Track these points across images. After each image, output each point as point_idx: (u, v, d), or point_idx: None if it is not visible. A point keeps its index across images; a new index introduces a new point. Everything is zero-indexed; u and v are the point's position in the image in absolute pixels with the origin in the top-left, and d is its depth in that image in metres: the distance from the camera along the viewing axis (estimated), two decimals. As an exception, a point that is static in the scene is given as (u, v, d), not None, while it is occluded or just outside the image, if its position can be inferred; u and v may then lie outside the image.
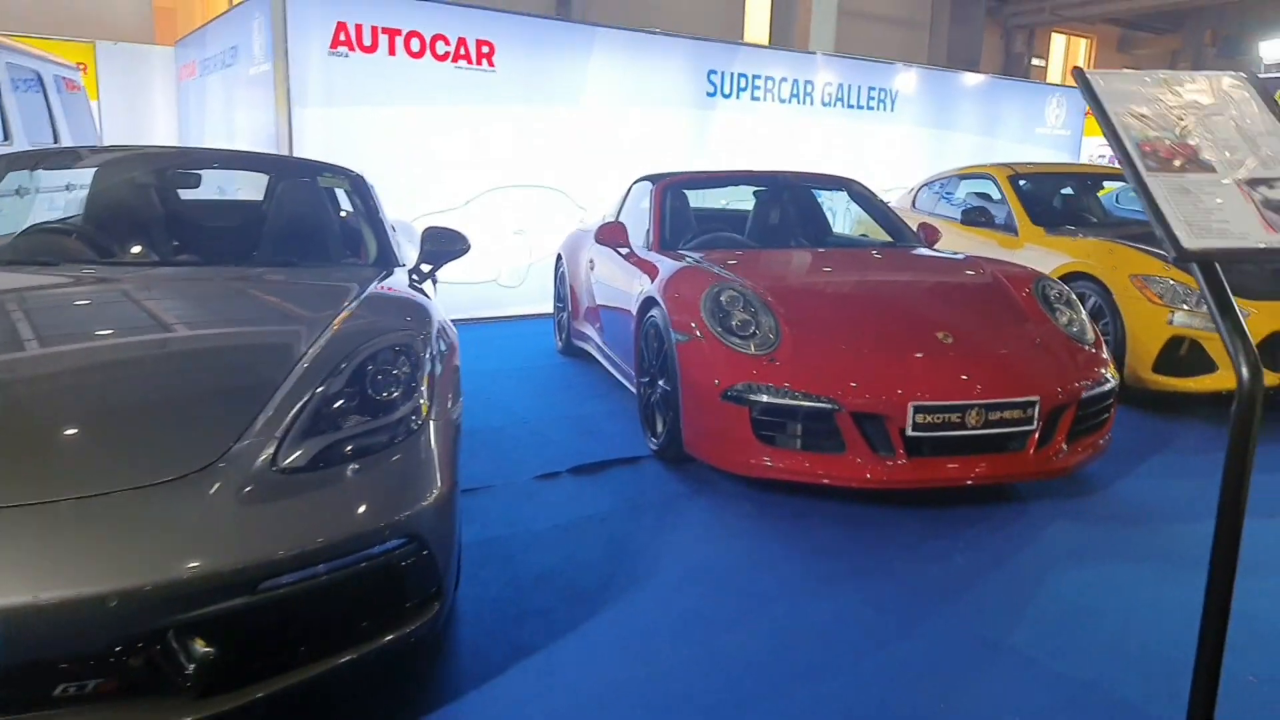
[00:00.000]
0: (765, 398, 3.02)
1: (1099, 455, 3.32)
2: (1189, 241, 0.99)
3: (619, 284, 4.39)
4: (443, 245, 2.98)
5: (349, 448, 1.74)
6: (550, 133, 7.17)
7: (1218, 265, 1.09)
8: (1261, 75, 9.39)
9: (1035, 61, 23.70)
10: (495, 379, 5.00)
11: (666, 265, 3.86)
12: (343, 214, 3.00)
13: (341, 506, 1.63)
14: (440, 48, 6.51)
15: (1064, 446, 3.13)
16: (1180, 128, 1.02)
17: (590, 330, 5.13)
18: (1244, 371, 1.14)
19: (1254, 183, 0.99)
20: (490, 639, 2.19)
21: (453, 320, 6.80)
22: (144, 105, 9.29)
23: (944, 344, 3.15)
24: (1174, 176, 1.00)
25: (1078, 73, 1.18)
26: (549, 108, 7.12)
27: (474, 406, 4.40)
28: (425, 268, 3.01)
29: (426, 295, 2.53)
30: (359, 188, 3.02)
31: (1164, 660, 2.15)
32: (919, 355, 3.10)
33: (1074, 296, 3.62)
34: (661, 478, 3.43)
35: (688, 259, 3.91)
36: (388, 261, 2.82)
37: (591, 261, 5.03)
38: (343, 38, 6.09)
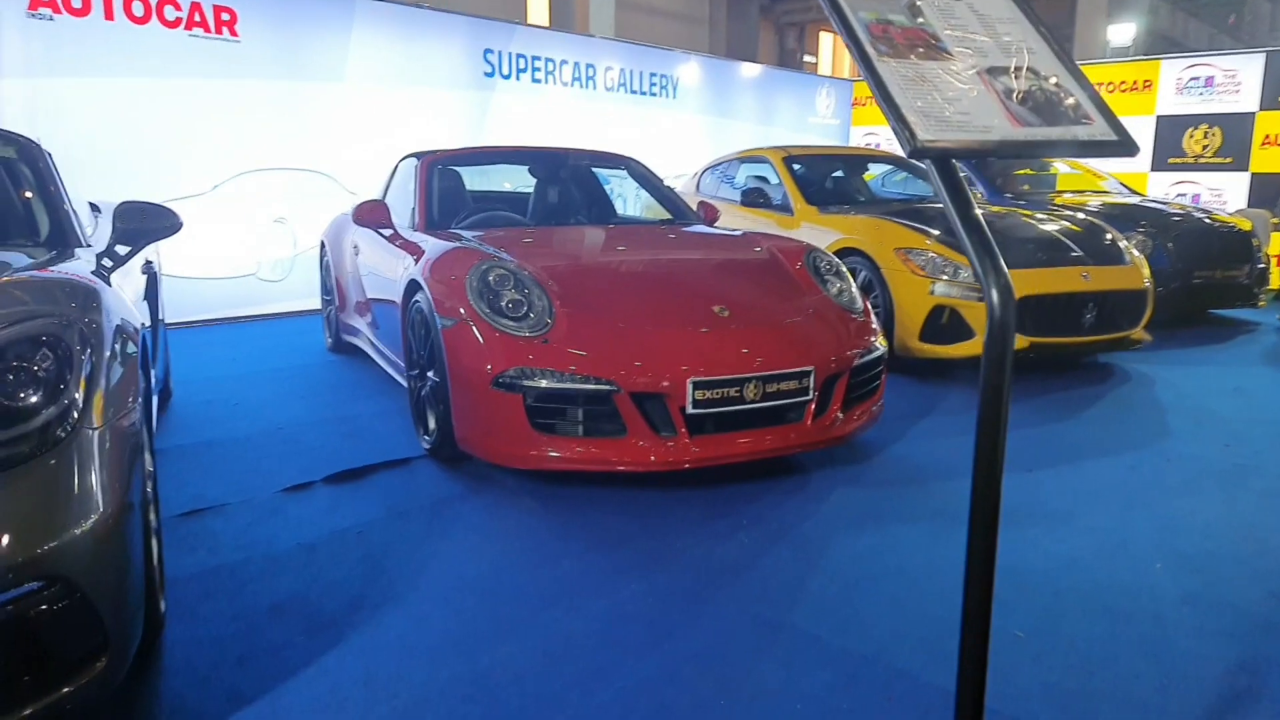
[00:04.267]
0: (539, 383, 2.78)
1: (873, 422, 3.36)
2: (926, 134, 0.86)
3: (384, 269, 4.00)
4: (141, 223, 2.50)
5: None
6: (312, 112, 6.56)
7: (954, 162, 0.98)
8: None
9: (807, 59, 25.13)
10: (249, 383, 4.45)
11: (432, 245, 3.53)
12: (39, 192, 2.44)
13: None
14: (169, 13, 5.75)
15: (839, 415, 3.12)
16: (914, 10, 0.90)
17: (359, 323, 4.69)
18: (994, 296, 1.02)
19: (996, 71, 0.88)
20: (203, 689, 1.80)
21: (205, 320, 6.11)
22: None
23: (721, 318, 3.05)
24: (910, 64, 0.87)
25: None
26: (308, 84, 6.51)
27: (218, 415, 3.87)
28: (121, 250, 2.51)
29: (106, 280, 2.06)
30: (29, 156, 2.48)
31: (940, 623, 2.12)
32: (697, 330, 2.98)
33: (843, 268, 3.66)
34: (434, 479, 3.11)
35: (458, 239, 3.59)
36: (63, 242, 2.31)
37: (356, 247, 4.59)
38: (44, -4, 5.21)
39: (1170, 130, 9.71)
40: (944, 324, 4.70)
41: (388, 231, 4.03)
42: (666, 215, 4.68)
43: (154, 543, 1.90)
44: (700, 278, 3.40)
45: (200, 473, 3.13)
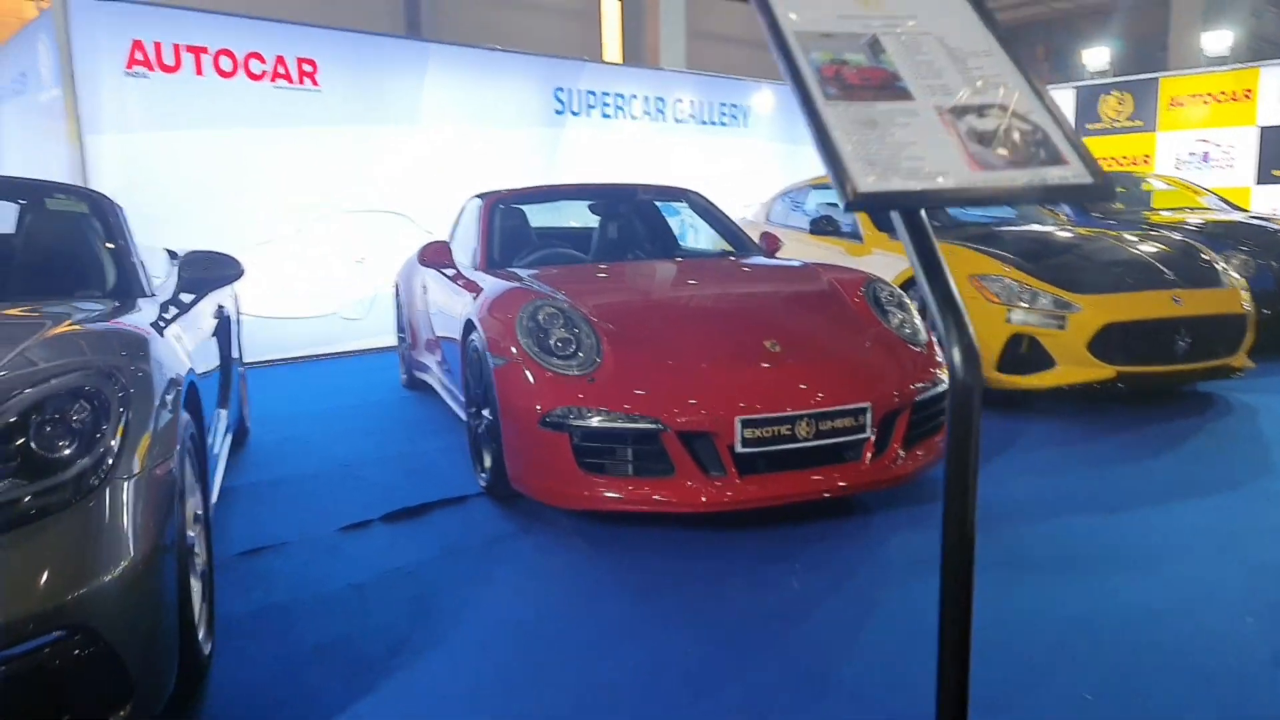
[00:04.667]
0: (586, 422, 2.76)
1: (939, 459, 3.21)
2: (867, 182, 0.79)
3: (447, 308, 4.07)
4: (205, 271, 2.60)
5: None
6: (388, 154, 6.79)
7: (924, 212, 0.90)
8: (1084, 82, 9.86)
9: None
10: (323, 420, 4.58)
11: (489, 285, 3.57)
12: (108, 245, 2.57)
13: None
14: (255, 66, 6.05)
15: (901, 453, 3.00)
16: (875, 48, 0.83)
17: (429, 360, 4.78)
18: (955, 356, 0.93)
19: (961, 111, 0.80)
20: (239, 734, 1.82)
21: (289, 358, 6.34)
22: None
23: (772, 353, 2.98)
24: (861, 106, 0.80)
25: None
26: (384, 127, 6.75)
27: (290, 452, 3.98)
28: (186, 297, 2.62)
29: (161, 330, 2.14)
30: (100, 210, 2.61)
31: (998, 684, 1.99)
32: (746, 366, 2.92)
33: (905, 298, 3.54)
34: (488, 517, 3.11)
35: (516, 278, 3.63)
36: (128, 293, 2.42)
37: (425, 286, 4.69)
38: (139, 57, 5.56)
39: (1276, 141, 9.15)
40: (1024, 353, 4.50)
41: (451, 271, 4.11)
42: (728, 247, 4.63)
43: (196, 585, 1.94)
44: (752, 311, 3.34)
45: (266, 510, 3.21)
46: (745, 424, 2.75)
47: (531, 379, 2.89)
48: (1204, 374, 4.60)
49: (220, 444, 3.05)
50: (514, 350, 2.97)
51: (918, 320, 3.42)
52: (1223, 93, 9.58)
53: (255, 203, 6.16)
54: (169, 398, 1.82)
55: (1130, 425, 4.21)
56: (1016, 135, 0.74)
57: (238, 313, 4.20)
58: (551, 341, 2.95)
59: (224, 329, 3.49)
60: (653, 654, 2.13)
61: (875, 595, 2.45)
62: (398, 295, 5.55)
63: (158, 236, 5.01)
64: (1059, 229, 5.60)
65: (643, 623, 2.31)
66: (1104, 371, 4.34)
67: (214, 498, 2.46)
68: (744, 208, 8.54)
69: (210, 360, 2.86)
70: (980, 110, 0.76)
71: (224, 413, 3.40)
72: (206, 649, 2.00)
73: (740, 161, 9.50)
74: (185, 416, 1.95)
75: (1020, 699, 1.91)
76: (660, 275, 3.95)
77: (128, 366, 1.75)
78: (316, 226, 6.46)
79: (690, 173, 8.87)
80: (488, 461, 3.27)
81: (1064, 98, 10.99)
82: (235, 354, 3.78)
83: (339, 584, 2.57)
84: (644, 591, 2.50)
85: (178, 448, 1.74)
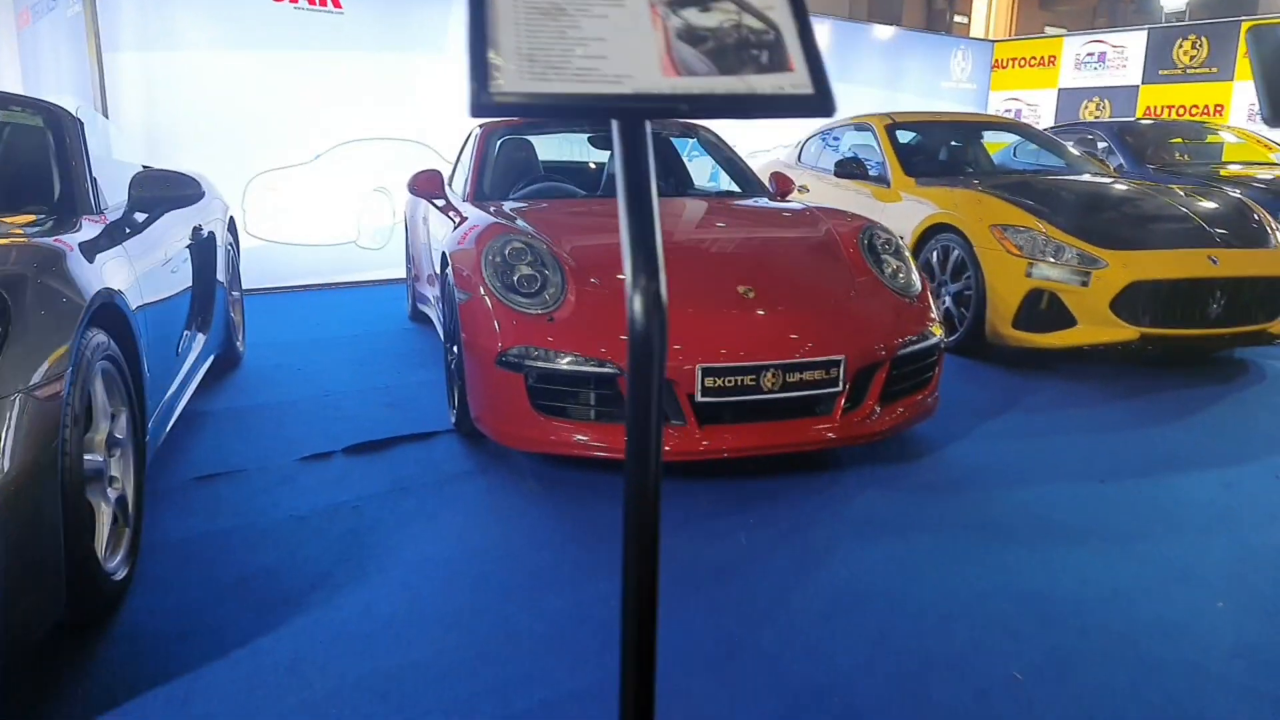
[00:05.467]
0: (540, 362, 2.67)
1: (922, 417, 3.06)
2: (509, 84, 0.64)
3: (435, 240, 3.99)
4: (160, 191, 2.55)
5: None
6: (412, 82, 6.66)
7: (649, 126, 0.70)
8: (1162, 24, 9.22)
9: (958, 19, 23.59)
10: (321, 348, 4.57)
11: (472, 217, 3.48)
12: (59, 161, 2.53)
13: None
14: (275, -14, 5.94)
15: (876, 409, 2.85)
16: None
17: (429, 293, 4.73)
18: (636, 304, 0.73)
19: (679, 3, 0.65)
20: (134, 664, 1.81)
21: (305, 285, 6.37)
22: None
23: (745, 299, 2.83)
24: None
25: None
26: (408, 54, 6.61)
27: (279, 380, 3.99)
28: (140, 217, 2.57)
29: (92, 249, 2.09)
30: (56, 125, 2.56)
31: (921, 658, 1.88)
32: (715, 312, 2.78)
33: (903, 245, 3.34)
34: (451, 455, 3.07)
35: (502, 211, 3.52)
36: (72, 209, 2.38)
37: (425, 217, 4.61)
38: (158, -27, 5.49)
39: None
40: (1043, 309, 4.25)
41: (441, 201, 4.01)
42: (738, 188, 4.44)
43: (106, 510, 1.93)
44: (733, 255, 3.18)
45: (234, 436, 3.21)
46: (706, 372, 2.63)
47: (493, 316, 2.80)
48: (1238, 339, 4.31)
49: (186, 368, 3.04)
50: (479, 286, 2.88)
51: (913, 270, 3.23)
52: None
53: (275, 127, 6.12)
54: (69, 316, 1.77)
55: (1148, 390, 3.97)
56: (739, 36, 0.60)
57: (231, 236, 4.18)
58: (516, 278, 2.85)
59: (204, 251, 3.46)
60: (571, 603, 2.07)
61: (821, 556, 2.34)
62: (406, 226, 5.49)
63: (175, 158, 5.02)
64: (1103, 180, 5.26)
65: (570, 570, 2.25)
66: (1127, 332, 4.08)
67: (154, 420, 2.44)
68: (780, 148, 8.26)
69: (171, 283, 2.82)
70: (705, 4, 0.62)
71: (201, 337, 3.39)
72: (121, 575, 1.99)
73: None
74: (99, 338, 1.91)
75: (943, 674, 1.80)
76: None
77: (26, 281, 1.70)
78: (336, 153, 6.40)
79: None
80: (456, 398, 3.22)
81: (1135, 41, 10.29)
82: (222, 277, 3.76)
83: (282, 515, 2.55)
84: (580, 539, 2.44)
85: (70, 369, 1.69)
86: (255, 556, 2.29)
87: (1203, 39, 9.68)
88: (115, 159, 3.57)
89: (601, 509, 2.62)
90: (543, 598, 2.09)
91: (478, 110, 0.66)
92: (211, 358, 3.67)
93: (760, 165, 7.05)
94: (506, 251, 2.92)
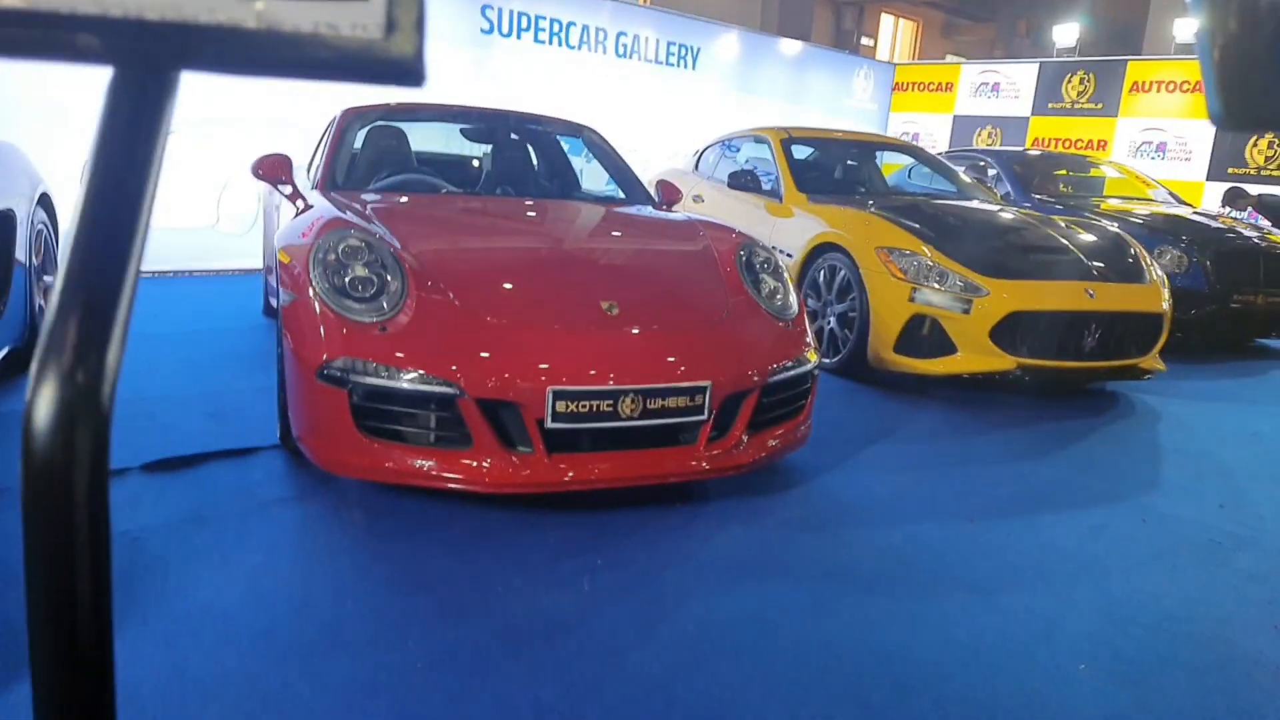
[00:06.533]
0: (366, 379, 2.35)
1: (793, 447, 2.87)
2: None
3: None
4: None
5: None
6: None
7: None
8: (1054, 58, 9.47)
9: (864, 40, 24.13)
10: (151, 345, 4.10)
11: (317, 207, 3.12)
12: None
13: None
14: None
15: (744, 438, 2.65)
16: None
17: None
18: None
19: None
20: None
21: (154, 271, 5.80)
22: None
23: (608, 316, 2.58)
24: None
25: None
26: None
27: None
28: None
29: None
30: None
31: (767, 733, 1.65)
32: (572, 329, 2.52)
33: (781, 265, 3.15)
34: (268, 477, 2.71)
35: (353, 202, 3.16)
36: None
37: (279, 205, 4.19)
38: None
39: (1231, 138, 8.88)
40: (924, 335, 4.17)
41: (288, 189, 3.62)
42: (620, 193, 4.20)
43: None
44: (598, 268, 2.93)
45: (14, 445, 2.77)
46: (557, 395, 2.36)
47: (318, 322, 2.46)
48: (1111, 373, 4.33)
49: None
50: (306, 286, 2.54)
51: (791, 292, 3.05)
52: (1186, 82, 9.26)
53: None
54: None
55: (1023, 421, 3.92)
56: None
57: (45, 213, 3.68)
58: (348, 279, 2.52)
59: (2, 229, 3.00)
60: (364, 669, 1.76)
61: (669, 607, 2.10)
62: (264, 214, 5.04)
63: (27, 136, 4.44)
64: (990, 208, 5.25)
65: (380, 624, 1.94)
66: (1004, 362, 4.03)
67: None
68: (676, 155, 8.09)
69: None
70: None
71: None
72: None
73: (683, 105, 8.98)
74: None
75: (782, 761, 1.58)
76: (514, 217, 3.50)
77: None
78: (196, 129, 5.87)
79: (629, 111, 8.36)
80: (279, 412, 2.86)
81: (1027, 73, 10.59)
82: (23, 259, 3.28)
83: (42, 547, 2.15)
84: (399, 585, 2.13)
85: None
86: (-9, 603, 1.90)
87: (1090, 75, 10.02)
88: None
89: (430, 549, 2.32)
90: (331, 661, 1.78)
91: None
92: (4, 350, 3.19)
93: (657, 173, 6.86)
94: (341, 249, 2.58)
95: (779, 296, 2.99)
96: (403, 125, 4.28)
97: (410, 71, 0.34)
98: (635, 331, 2.57)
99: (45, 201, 3.72)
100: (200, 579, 2.07)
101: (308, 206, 3.22)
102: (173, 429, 3.03)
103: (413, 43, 0.33)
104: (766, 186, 5.46)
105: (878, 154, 6.43)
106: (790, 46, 10.33)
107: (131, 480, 2.59)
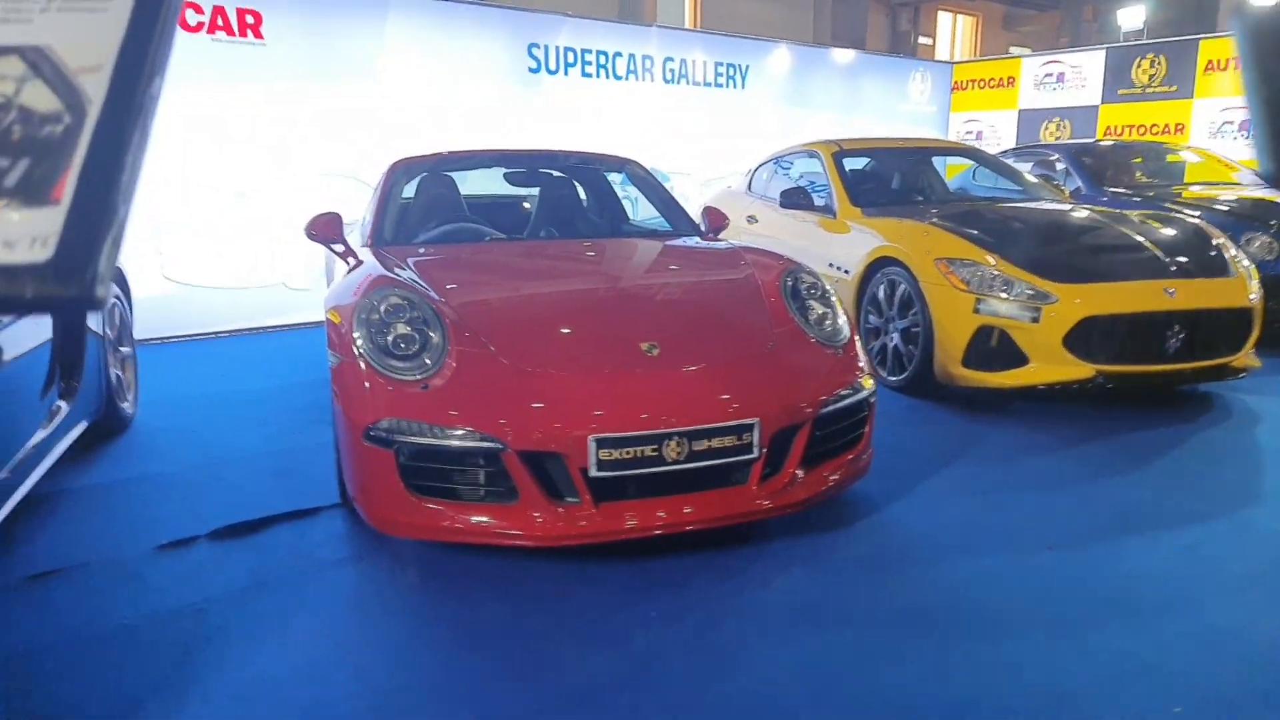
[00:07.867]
0: (411, 438, 2.35)
1: (853, 479, 2.77)
2: None
3: (336, 290, 3.66)
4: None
5: None
6: (343, 113, 6.36)
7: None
8: (1120, 43, 9.07)
9: (922, 40, 23.66)
10: (220, 406, 4.23)
11: (365, 264, 3.17)
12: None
13: None
14: (191, 17, 5.64)
15: (799, 474, 2.56)
16: None
17: (344, 342, 4.40)
18: None
19: None
20: None
21: (224, 331, 6.01)
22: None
23: (648, 357, 2.54)
24: None
25: None
26: (337, 84, 6.31)
27: (163, 446, 3.64)
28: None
29: None
30: None
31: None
32: (612, 374, 2.48)
33: (828, 289, 3.06)
34: (330, 537, 2.74)
35: (402, 257, 3.20)
36: None
37: (336, 263, 4.29)
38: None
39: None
40: (993, 347, 3.99)
41: (340, 247, 3.70)
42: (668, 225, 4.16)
43: None
44: (638, 308, 2.88)
45: (88, 520, 2.87)
46: (600, 444, 2.32)
47: (363, 382, 2.49)
48: (1201, 374, 4.07)
49: (32, 444, 2.70)
50: (351, 347, 2.57)
51: (840, 316, 2.95)
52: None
53: (195, 165, 5.79)
54: None
55: (1106, 434, 3.71)
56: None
57: (118, 286, 3.84)
58: (391, 338, 2.54)
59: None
60: (416, 741, 1.75)
61: (725, 662, 2.03)
62: (326, 270, 5.17)
63: None
64: (1056, 208, 5.03)
65: (432, 696, 1.92)
66: (1082, 370, 3.83)
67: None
68: (725, 177, 8.04)
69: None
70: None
71: (61, 403, 3.05)
72: None
73: (733, 125, 8.91)
74: None
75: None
76: (555, 258, 3.50)
77: None
78: (262, 189, 6.08)
79: (681, 135, 8.35)
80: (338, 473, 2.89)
81: (1093, 60, 10.18)
82: (100, 331, 3.43)
83: (111, 624, 2.21)
84: (455, 650, 2.11)
85: None
86: (60, 685, 1.95)
87: (1160, 57, 9.58)
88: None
89: (484, 607, 2.30)
90: (384, 733, 1.77)
91: None
92: (83, 426, 3.32)
93: (710, 196, 6.82)
94: (384, 307, 2.61)
95: (828, 322, 2.90)
96: (453, 174, 4.34)
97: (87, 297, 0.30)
98: (676, 371, 2.51)
99: (117, 274, 3.89)
100: (260, 647, 2.09)
101: (359, 263, 3.28)
102: (240, 490, 3.10)
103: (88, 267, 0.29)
104: (820, 202, 5.35)
105: (933, 159, 6.24)
106: (841, 55, 10.18)
107: (198, 549, 2.65)
